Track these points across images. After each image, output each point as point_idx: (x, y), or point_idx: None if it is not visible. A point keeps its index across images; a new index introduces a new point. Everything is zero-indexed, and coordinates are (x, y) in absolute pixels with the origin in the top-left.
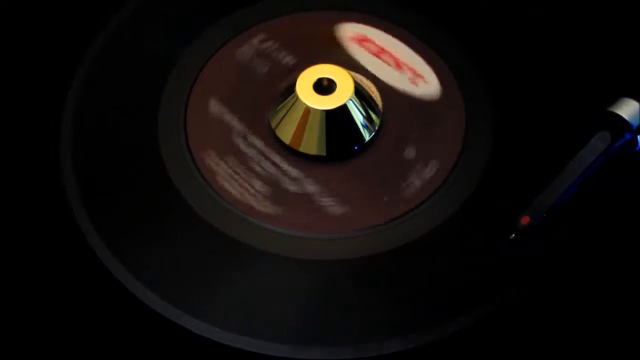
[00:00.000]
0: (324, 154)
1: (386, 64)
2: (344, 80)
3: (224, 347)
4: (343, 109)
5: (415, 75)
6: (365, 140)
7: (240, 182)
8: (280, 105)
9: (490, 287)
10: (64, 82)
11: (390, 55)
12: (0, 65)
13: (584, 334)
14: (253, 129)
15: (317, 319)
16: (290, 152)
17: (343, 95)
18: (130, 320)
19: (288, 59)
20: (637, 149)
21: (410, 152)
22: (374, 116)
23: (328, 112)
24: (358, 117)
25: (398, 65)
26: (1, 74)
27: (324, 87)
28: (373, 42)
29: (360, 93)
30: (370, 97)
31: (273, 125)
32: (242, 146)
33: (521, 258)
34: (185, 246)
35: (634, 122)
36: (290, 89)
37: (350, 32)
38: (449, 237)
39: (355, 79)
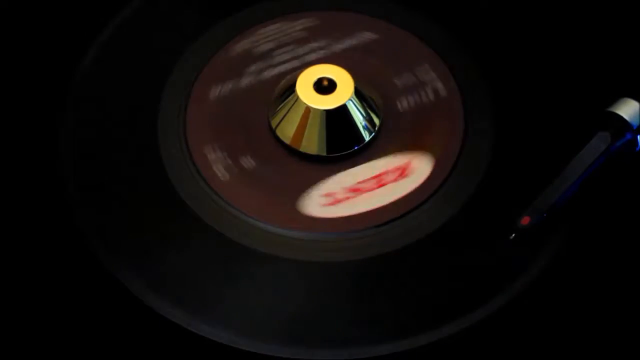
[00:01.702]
0: (324, 154)
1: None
2: (344, 80)
3: (224, 347)
4: (343, 109)
5: (400, 174)
6: (365, 140)
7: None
8: (281, 105)
9: (491, 287)
10: (64, 81)
11: (368, 183)
12: (0, 65)
13: (584, 334)
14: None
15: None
16: (290, 152)
17: (343, 95)
18: (130, 320)
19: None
20: (638, 149)
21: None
22: (374, 116)
23: (328, 112)
24: (358, 117)
25: (380, 183)
26: (1, 74)
27: (324, 87)
28: (340, 192)
29: (360, 93)
30: (370, 97)
31: (273, 125)
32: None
33: (520, 258)
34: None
35: (634, 123)
36: (291, 89)
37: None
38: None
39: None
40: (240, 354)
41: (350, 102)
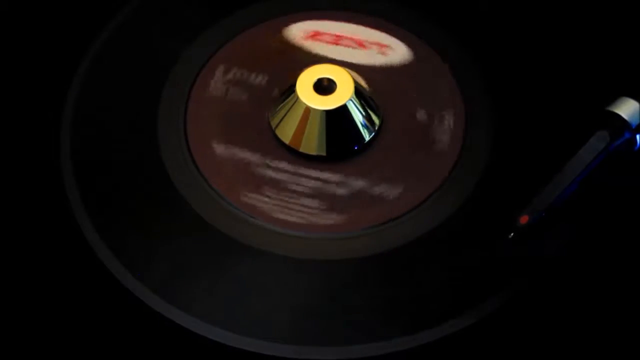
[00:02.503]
0: (324, 154)
1: (349, 48)
2: (344, 80)
3: (223, 347)
4: (343, 109)
5: (380, 47)
6: (365, 140)
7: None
8: (280, 105)
9: (490, 286)
10: (63, 81)
11: (349, 38)
12: (0, 65)
13: (585, 333)
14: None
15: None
16: (290, 152)
17: (343, 95)
18: (130, 320)
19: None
20: (636, 148)
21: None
22: (374, 116)
23: (328, 112)
24: (358, 117)
25: (360, 44)
26: (1, 74)
27: (324, 87)
28: (328, 34)
29: (360, 93)
30: (370, 97)
31: (273, 125)
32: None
33: (520, 257)
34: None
35: (633, 122)
36: (291, 89)
37: (300, 32)
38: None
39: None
40: (240, 353)
41: (351, 102)
